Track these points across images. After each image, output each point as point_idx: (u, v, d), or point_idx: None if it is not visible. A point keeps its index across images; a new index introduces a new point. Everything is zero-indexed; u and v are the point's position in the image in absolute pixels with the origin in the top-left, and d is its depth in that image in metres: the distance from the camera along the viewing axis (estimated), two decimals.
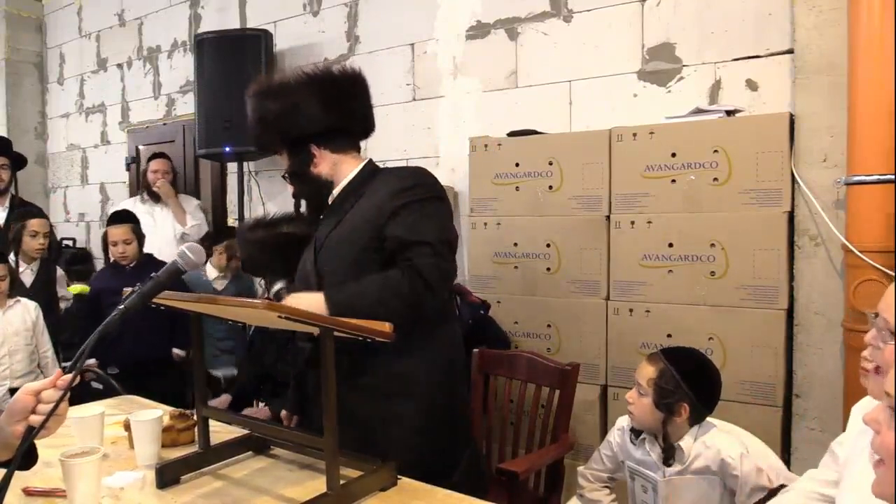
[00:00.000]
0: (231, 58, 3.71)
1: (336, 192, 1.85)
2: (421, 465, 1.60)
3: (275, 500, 1.47)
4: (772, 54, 2.51)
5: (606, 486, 2.02)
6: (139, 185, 4.46)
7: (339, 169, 1.84)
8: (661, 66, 2.75)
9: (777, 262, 2.27)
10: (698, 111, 2.48)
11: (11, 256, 3.20)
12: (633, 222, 2.50)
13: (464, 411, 1.98)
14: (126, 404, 2.21)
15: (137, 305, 1.23)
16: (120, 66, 5.16)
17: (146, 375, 3.09)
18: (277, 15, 4.05)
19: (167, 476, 1.55)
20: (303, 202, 1.98)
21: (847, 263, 2.20)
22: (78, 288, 3.97)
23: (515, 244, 2.79)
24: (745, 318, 2.31)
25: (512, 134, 2.87)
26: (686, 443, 1.77)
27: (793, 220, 2.35)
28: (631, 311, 2.52)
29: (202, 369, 1.73)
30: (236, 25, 4.24)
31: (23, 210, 3.60)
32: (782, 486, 1.61)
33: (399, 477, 1.52)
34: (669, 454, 1.78)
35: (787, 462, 2.28)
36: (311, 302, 1.60)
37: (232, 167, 4.23)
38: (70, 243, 5.36)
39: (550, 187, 2.70)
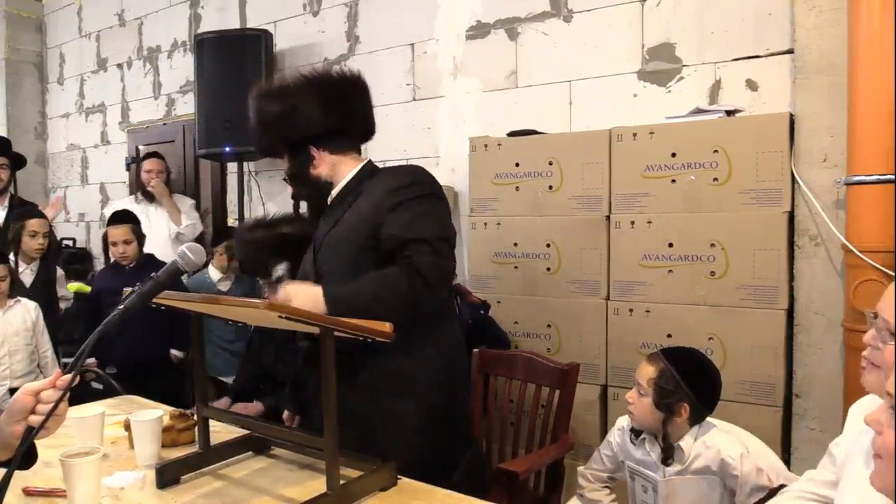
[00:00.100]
0: (231, 58, 3.71)
1: (335, 192, 1.86)
2: (421, 464, 1.60)
3: (275, 500, 1.47)
4: (772, 54, 2.51)
5: (606, 486, 2.02)
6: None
7: (339, 170, 1.85)
8: (661, 66, 2.75)
9: (777, 262, 2.27)
10: (698, 111, 2.48)
11: (11, 256, 3.20)
12: (633, 222, 2.50)
13: (464, 411, 1.98)
14: (126, 404, 2.21)
15: (137, 305, 1.23)
16: (120, 66, 5.16)
17: (145, 375, 3.09)
18: (277, 15, 4.05)
19: (167, 476, 1.55)
20: (303, 203, 1.99)
21: (847, 263, 2.20)
22: (76, 286, 3.97)
23: (515, 244, 2.79)
24: (745, 318, 2.31)
25: (512, 134, 2.87)
26: (686, 443, 1.77)
27: (793, 220, 2.35)
28: (631, 311, 2.52)
29: (202, 369, 1.73)
30: (236, 25, 4.24)
31: (22, 210, 3.60)
32: (782, 486, 1.61)
33: (399, 477, 1.52)
34: (669, 454, 1.78)
35: (787, 462, 2.28)
36: (309, 296, 1.61)
37: (232, 167, 4.23)
38: (70, 243, 5.36)
39: (550, 187, 2.70)
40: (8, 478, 1.05)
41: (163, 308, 1.57)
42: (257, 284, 3.72)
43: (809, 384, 2.35)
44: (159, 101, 4.86)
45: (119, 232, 3.31)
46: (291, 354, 2.54)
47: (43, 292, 3.37)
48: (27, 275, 3.38)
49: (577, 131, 2.87)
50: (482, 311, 2.71)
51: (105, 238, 3.38)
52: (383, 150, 3.36)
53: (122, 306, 1.20)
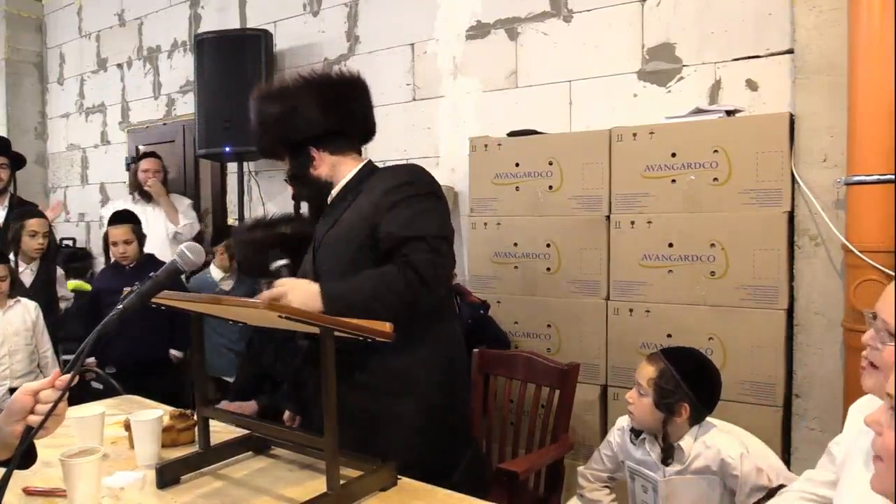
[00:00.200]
0: (231, 58, 3.71)
1: (335, 192, 1.86)
2: (421, 464, 1.59)
3: (275, 500, 1.47)
4: (772, 54, 2.51)
5: (606, 486, 2.02)
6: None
7: (339, 170, 1.86)
8: (661, 66, 2.75)
9: (777, 262, 2.27)
10: (698, 111, 2.48)
11: (11, 256, 3.20)
12: (633, 222, 2.50)
13: (464, 411, 1.98)
14: (126, 404, 2.21)
15: (136, 305, 1.23)
16: (120, 66, 5.16)
17: (145, 375, 3.08)
18: (277, 15, 4.05)
19: (167, 476, 1.55)
20: (304, 204, 1.99)
21: (847, 263, 2.20)
22: (75, 283, 3.98)
23: (515, 244, 2.79)
24: (745, 318, 2.31)
25: (512, 134, 2.87)
26: (686, 443, 1.77)
27: (793, 220, 2.35)
28: (631, 311, 2.52)
29: (202, 369, 1.73)
30: (236, 25, 4.24)
31: (22, 210, 3.59)
32: (781, 486, 1.61)
33: (399, 477, 1.52)
34: (669, 454, 1.78)
35: (787, 462, 2.28)
36: (306, 292, 1.61)
37: (232, 167, 4.23)
38: (70, 243, 5.36)
39: (550, 187, 2.70)
40: (7, 477, 1.05)
41: (162, 308, 1.57)
42: (258, 283, 3.72)
43: (809, 384, 2.35)
44: (159, 101, 4.86)
45: (120, 232, 3.31)
46: (291, 354, 2.54)
47: (43, 292, 3.37)
48: (27, 275, 3.38)
49: (577, 131, 2.87)
50: (482, 311, 2.71)
51: (106, 238, 3.38)
52: (383, 150, 3.36)
53: (120, 306, 1.20)
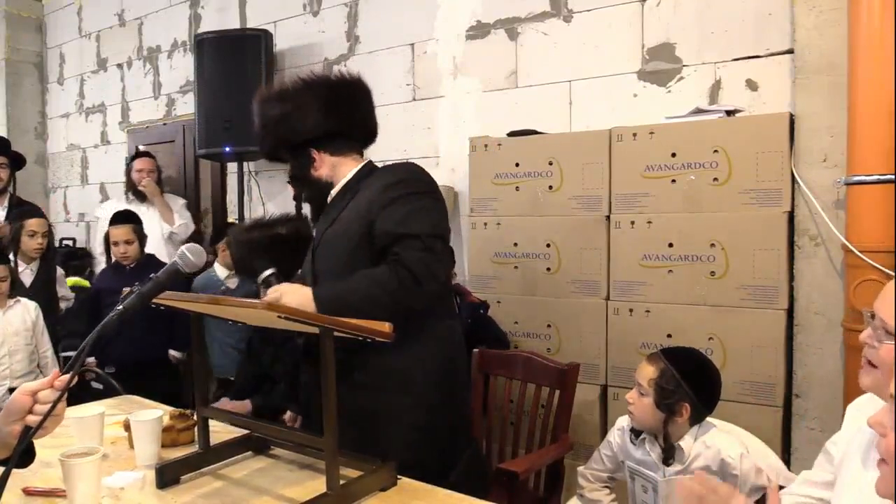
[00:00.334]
0: (231, 58, 3.71)
1: (334, 191, 1.87)
2: (420, 464, 1.60)
3: (275, 500, 1.47)
4: (772, 54, 2.51)
5: (606, 486, 2.02)
6: None
7: (339, 171, 1.87)
8: (661, 66, 2.75)
9: (777, 262, 2.27)
10: (698, 111, 2.48)
11: (10, 256, 3.20)
12: (633, 222, 2.50)
13: (464, 411, 1.98)
14: (126, 404, 2.21)
15: (137, 306, 1.23)
16: (120, 66, 5.16)
17: (145, 375, 3.08)
18: (277, 15, 4.05)
19: (167, 476, 1.55)
20: (306, 205, 1.99)
21: (847, 263, 2.20)
22: (73, 280, 3.98)
23: (515, 244, 2.79)
24: (745, 318, 2.31)
25: (512, 134, 2.87)
26: (686, 443, 1.77)
27: (793, 220, 2.35)
28: (631, 311, 2.52)
29: (202, 369, 1.73)
30: (236, 25, 4.24)
31: (21, 210, 3.59)
32: (780, 487, 1.61)
33: (399, 477, 1.52)
34: (670, 454, 1.78)
35: (787, 462, 2.28)
36: (300, 297, 1.62)
37: (232, 167, 4.23)
38: (70, 243, 5.36)
39: (550, 187, 2.70)
40: (6, 476, 1.05)
41: (162, 308, 1.57)
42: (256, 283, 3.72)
43: (809, 384, 2.35)
44: (159, 101, 4.86)
45: (121, 232, 3.31)
46: (290, 355, 2.54)
47: (43, 292, 3.37)
48: (27, 275, 3.38)
49: (577, 131, 2.87)
50: (482, 311, 2.71)
51: (107, 238, 3.38)
52: (383, 150, 3.34)
53: (121, 306, 1.20)
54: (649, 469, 1.84)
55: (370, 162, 1.91)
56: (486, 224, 2.87)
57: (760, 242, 2.28)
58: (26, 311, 3.02)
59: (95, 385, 3.11)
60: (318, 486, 1.45)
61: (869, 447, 1.15)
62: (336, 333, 1.39)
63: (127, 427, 1.80)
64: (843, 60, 2.20)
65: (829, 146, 2.30)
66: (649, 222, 2.47)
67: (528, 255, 2.76)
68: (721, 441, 1.75)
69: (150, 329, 3.18)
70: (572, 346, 2.64)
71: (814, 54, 2.34)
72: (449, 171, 3.33)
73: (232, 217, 4.38)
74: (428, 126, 3.44)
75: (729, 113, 2.42)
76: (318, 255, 1.83)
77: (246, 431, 1.74)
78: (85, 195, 5.54)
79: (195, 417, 1.73)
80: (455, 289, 2.56)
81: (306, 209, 2.00)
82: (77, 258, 4.94)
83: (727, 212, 2.33)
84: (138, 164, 4.13)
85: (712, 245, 2.35)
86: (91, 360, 3.13)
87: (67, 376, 1.11)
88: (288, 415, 2.43)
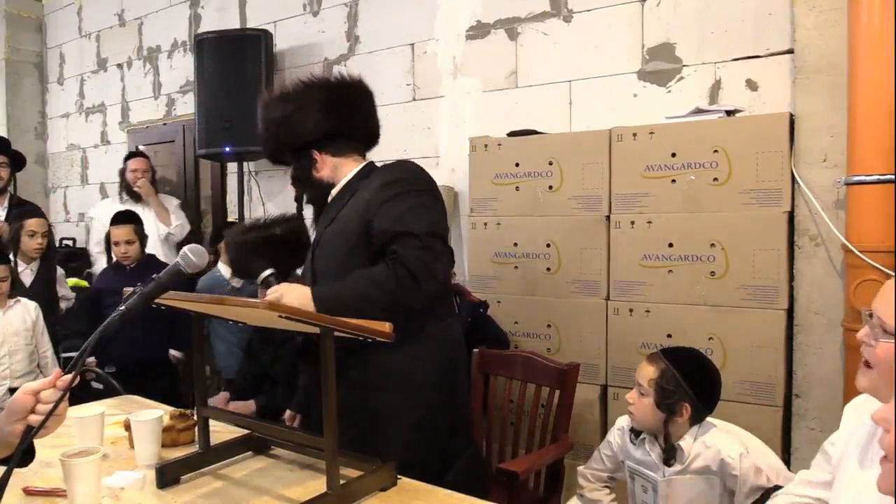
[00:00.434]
0: (231, 58, 3.71)
1: (335, 191, 1.87)
2: (420, 464, 1.60)
3: (275, 500, 1.47)
4: (772, 54, 2.51)
5: (606, 486, 2.02)
6: None
7: (340, 171, 1.88)
8: (661, 66, 2.75)
9: (777, 262, 2.27)
10: (698, 111, 2.48)
11: (10, 256, 3.20)
12: (633, 222, 2.50)
13: (464, 411, 1.98)
14: (126, 404, 2.21)
15: (139, 306, 1.23)
16: (120, 66, 5.16)
17: (145, 375, 3.08)
18: (277, 15, 4.05)
19: (167, 476, 1.55)
20: (308, 206, 2.00)
21: (847, 263, 2.20)
22: (73, 281, 3.98)
23: (515, 244, 2.79)
24: (745, 318, 2.31)
25: (512, 134, 2.87)
26: (686, 443, 1.77)
27: (793, 220, 2.35)
28: (631, 311, 2.52)
29: (202, 369, 1.73)
30: (236, 25, 4.24)
31: (21, 210, 3.59)
32: (779, 487, 1.61)
33: (399, 477, 1.52)
34: (671, 454, 1.78)
35: (787, 462, 2.28)
36: (299, 297, 1.63)
37: (232, 167, 4.23)
38: (70, 243, 5.36)
39: (550, 187, 2.70)
40: (7, 475, 1.05)
41: (163, 308, 1.57)
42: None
43: (809, 384, 2.35)
44: (159, 101, 4.86)
45: (122, 232, 3.31)
46: (290, 355, 2.54)
47: (43, 292, 3.37)
48: (27, 275, 3.38)
49: (577, 131, 2.87)
50: (481, 310, 2.71)
51: (107, 238, 3.38)
52: (383, 150, 3.31)
53: (123, 307, 1.20)
54: (649, 469, 1.84)
55: (371, 163, 1.91)
56: (486, 224, 2.87)
57: (760, 242, 2.28)
58: (26, 311, 3.02)
59: (96, 385, 3.11)
60: (318, 486, 1.45)
61: (867, 447, 1.15)
62: (336, 333, 1.39)
63: (127, 427, 1.80)
64: (843, 60, 2.20)
65: (829, 146, 2.30)
66: (649, 222, 2.47)
67: (528, 255, 2.76)
68: (721, 441, 1.75)
69: (151, 329, 3.18)
70: (572, 346, 2.64)
71: (814, 54, 2.34)
72: (449, 171, 3.34)
73: (232, 217, 4.38)
74: (428, 126, 3.44)
75: (729, 113, 2.42)
76: (318, 255, 1.84)
77: (246, 431, 1.74)
78: (85, 195, 5.54)
79: (195, 417, 1.73)
80: (455, 288, 2.56)
81: (307, 210, 2.00)
82: (76, 259, 4.94)
83: (727, 212, 2.33)
84: (132, 164, 4.12)
85: (712, 245, 2.35)
86: (91, 359, 3.13)
87: (69, 376, 1.11)
88: (287, 413, 2.43)
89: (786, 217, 2.28)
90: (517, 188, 2.78)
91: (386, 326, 1.42)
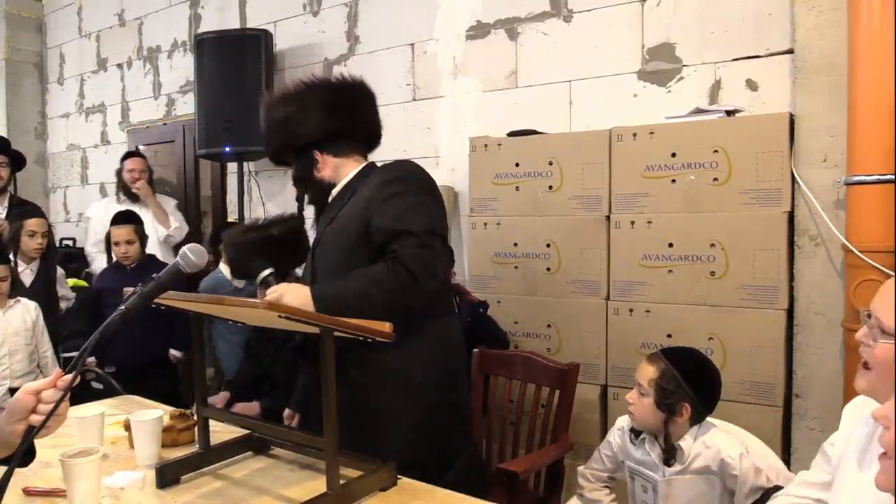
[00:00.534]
0: (231, 58, 3.71)
1: (335, 191, 1.88)
2: (420, 464, 1.59)
3: (275, 500, 1.47)
4: (772, 54, 2.51)
5: (606, 486, 2.02)
6: None
7: (341, 171, 1.88)
8: (661, 66, 2.75)
9: (777, 262, 2.27)
10: (698, 111, 2.48)
11: (10, 256, 3.20)
12: (633, 222, 2.50)
13: (464, 411, 1.98)
14: (126, 404, 2.21)
15: (139, 306, 1.23)
16: (120, 66, 5.16)
17: (145, 375, 3.08)
18: (277, 15, 4.05)
19: (167, 476, 1.55)
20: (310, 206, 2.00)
21: (847, 263, 2.20)
22: (73, 280, 3.99)
23: (515, 244, 2.79)
24: (745, 318, 2.31)
25: (512, 134, 2.87)
26: (686, 443, 1.77)
27: (793, 220, 2.35)
28: (631, 311, 2.52)
29: (202, 369, 1.73)
30: (236, 25, 4.24)
31: (21, 210, 3.59)
32: (779, 487, 1.61)
33: (399, 477, 1.52)
34: (671, 454, 1.78)
35: (787, 462, 2.28)
36: (299, 297, 1.62)
37: (232, 167, 4.23)
38: (70, 243, 5.36)
39: (550, 187, 2.70)
40: (9, 475, 1.05)
41: (163, 308, 1.57)
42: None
43: (809, 384, 2.35)
44: (159, 101, 4.86)
45: (122, 232, 3.31)
46: (289, 355, 2.54)
47: (43, 292, 3.37)
48: (27, 275, 3.38)
49: (577, 131, 2.87)
50: (481, 310, 2.71)
51: (108, 238, 3.38)
52: (383, 150, 3.31)
53: (123, 307, 1.20)
54: (649, 469, 1.84)
55: (372, 163, 1.92)
56: (486, 224, 2.87)
57: (760, 242, 2.28)
58: (26, 311, 3.02)
59: (96, 385, 3.11)
60: (318, 486, 1.45)
61: (866, 448, 1.15)
62: (336, 333, 1.39)
63: (127, 427, 1.80)
64: (843, 60, 2.20)
65: (829, 146, 2.30)
66: (649, 222, 2.47)
67: (528, 255, 2.76)
68: (721, 441, 1.75)
69: (151, 329, 3.18)
70: (572, 346, 2.65)
71: (814, 54, 2.34)
72: (449, 171, 3.34)
73: (232, 217, 4.38)
74: (428, 126, 3.44)
75: (729, 113, 2.42)
76: (318, 254, 1.85)
77: (246, 431, 1.74)
78: (85, 195, 5.54)
79: (195, 417, 1.73)
80: (455, 288, 2.56)
81: (308, 210, 2.01)
82: (76, 259, 4.94)
83: (727, 212, 2.33)
84: (129, 164, 4.11)
85: (712, 245, 2.35)
86: (91, 359, 3.13)
87: (70, 376, 1.11)
88: (286, 412, 2.43)
89: (786, 217, 2.28)
90: (517, 188, 2.78)
91: (386, 326, 1.42)
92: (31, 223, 3.37)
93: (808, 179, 2.32)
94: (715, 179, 2.35)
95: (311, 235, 1.96)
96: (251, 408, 2.64)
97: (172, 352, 3.37)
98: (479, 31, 3.25)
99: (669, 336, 2.42)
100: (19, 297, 3.02)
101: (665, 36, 2.74)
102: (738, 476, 1.70)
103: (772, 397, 2.28)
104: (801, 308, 2.36)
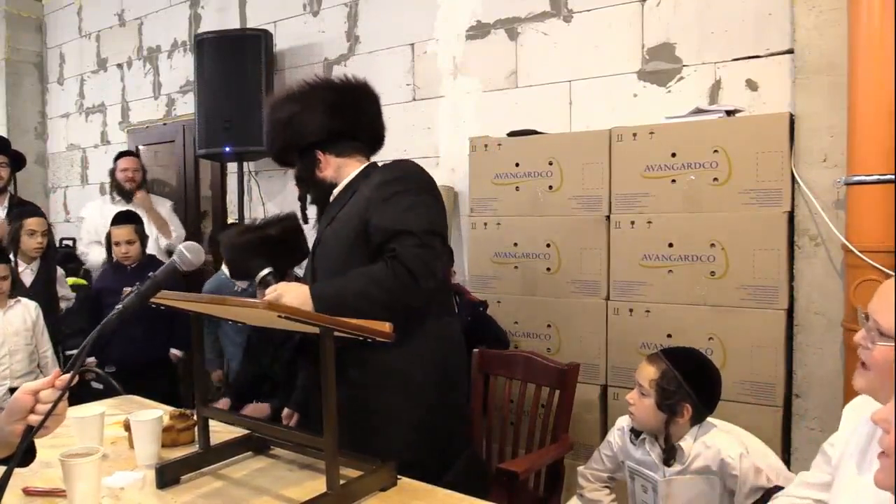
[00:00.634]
0: (231, 58, 3.71)
1: (336, 191, 1.88)
2: (420, 464, 1.60)
3: (275, 500, 1.47)
4: (772, 54, 2.51)
5: (606, 486, 2.02)
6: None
7: (343, 171, 1.89)
8: (661, 66, 2.75)
9: (777, 262, 2.27)
10: (698, 111, 2.48)
11: (10, 256, 3.20)
12: (633, 222, 2.50)
13: (464, 411, 1.98)
14: (126, 404, 2.21)
15: (136, 305, 1.23)
16: (120, 66, 5.16)
17: (144, 375, 3.08)
18: (277, 15, 4.05)
19: (167, 476, 1.55)
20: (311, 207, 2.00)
21: (847, 263, 2.20)
22: (72, 280, 3.99)
23: (515, 244, 2.79)
24: (745, 318, 2.31)
25: (512, 134, 2.87)
26: (686, 443, 1.77)
27: (793, 220, 2.35)
28: (631, 311, 2.52)
29: (202, 369, 1.73)
30: (236, 25, 4.24)
31: (21, 209, 3.59)
32: (779, 487, 1.61)
33: (399, 477, 1.52)
34: (672, 455, 1.78)
35: (787, 462, 2.28)
36: (298, 297, 1.63)
37: (232, 167, 4.23)
38: (70, 243, 5.36)
39: (550, 187, 2.70)
40: (8, 475, 1.05)
41: (162, 308, 1.57)
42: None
43: (809, 384, 2.35)
44: (159, 101, 4.86)
45: (122, 232, 3.31)
46: (289, 354, 2.54)
47: (43, 292, 3.37)
48: (27, 274, 3.38)
49: (577, 131, 2.87)
50: (481, 310, 2.71)
51: (108, 238, 3.39)
52: (383, 150, 3.32)
53: (120, 306, 1.20)
54: (649, 469, 1.84)
55: (373, 163, 1.92)
56: (486, 224, 2.87)
57: (760, 242, 2.28)
58: (26, 310, 3.02)
59: (95, 385, 3.11)
60: (318, 486, 1.45)
61: (866, 449, 1.15)
62: (336, 333, 1.39)
63: (127, 427, 1.80)
64: (843, 60, 2.20)
65: (829, 146, 2.30)
66: (649, 222, 2.47)
67: (528, 255, 2.76)
68: (721, 441, 1.75)
69: (151, 329, 3.19)
70: (572, 346, 2.64)
71: (814, 54, 2.34)
72: (449, 171, 3.34)
73: (232, 217, 4.38)
74: (428, 126, 3.44)
75: (729, 113, 2.42)
76: (318, 254, 1.85)
77: (246, 431, 1.74)
78: (85, 195, 5.53)
79: (195, 417, 1.73)
80: (454, 288, 2.56)
81: (310, 210, 2.01)
82: (76, 259, 4.94)
83: (727, 212, 2.33)
84: (122, 163, 4.10)
85: (712, 245, 2.35)
86: (91, 359, 3.13)
87: (68, 376, 1.11)
88: (285, 412, 2.43)
89: (786, 217, 2.28)
90: (517, 188, 2.78)
91: (386, 326, 1.42)
92: (31, 222, 3.37)
93: (808, 179, 2.32)
94: (715, 179, 2.35)
95: (311, 236, 1.96)
96: (261, 409, 2.64)
97: (173, 351, 3.37)
98: (479, 31, 3.25)
99: (669, 336, 2.42)
100: (19, 297, 3.02)
101: (665, 36, 2.74)
102: (738, 476, 1.70)
103: (772, 397, 2.28)
104: (801, 308, 2.36)
